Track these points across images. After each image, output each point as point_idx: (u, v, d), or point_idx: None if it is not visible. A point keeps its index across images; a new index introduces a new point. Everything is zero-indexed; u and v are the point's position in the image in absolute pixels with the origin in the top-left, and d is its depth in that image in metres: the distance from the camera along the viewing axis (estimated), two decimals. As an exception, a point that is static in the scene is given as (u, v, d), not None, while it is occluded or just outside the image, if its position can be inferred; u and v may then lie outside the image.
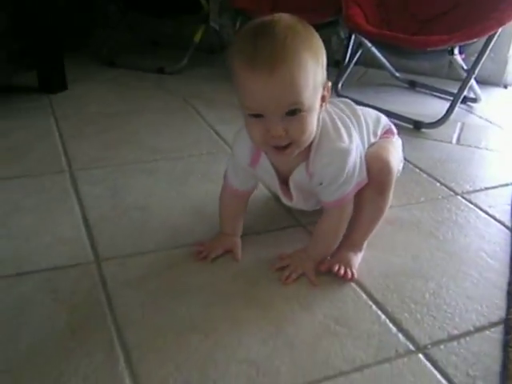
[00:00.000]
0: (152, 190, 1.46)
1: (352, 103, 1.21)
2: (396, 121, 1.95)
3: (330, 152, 1.04)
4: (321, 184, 1.08)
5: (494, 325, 1.03)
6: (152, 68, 2.48)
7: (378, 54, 2.33)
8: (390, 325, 1.02)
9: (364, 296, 1.09)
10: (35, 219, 1.31)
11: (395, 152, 1.24)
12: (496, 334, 1.01)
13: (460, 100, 1.95)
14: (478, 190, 1.53)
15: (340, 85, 2.21)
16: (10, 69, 2.05)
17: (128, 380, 0.88)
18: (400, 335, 0.99)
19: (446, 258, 1.22)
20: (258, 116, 0.95)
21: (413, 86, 2.39)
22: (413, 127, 1.94)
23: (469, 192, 1.51)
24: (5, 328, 0.98)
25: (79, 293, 1.07)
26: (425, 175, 1.60)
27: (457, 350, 0.97)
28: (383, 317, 1.04)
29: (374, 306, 1.06)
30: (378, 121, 1.25)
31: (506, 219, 1.38)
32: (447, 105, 1.95)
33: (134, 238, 1.25)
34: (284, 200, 1.20)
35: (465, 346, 0.97)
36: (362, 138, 1.15)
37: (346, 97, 2.08)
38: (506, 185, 1.56)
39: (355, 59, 2.24)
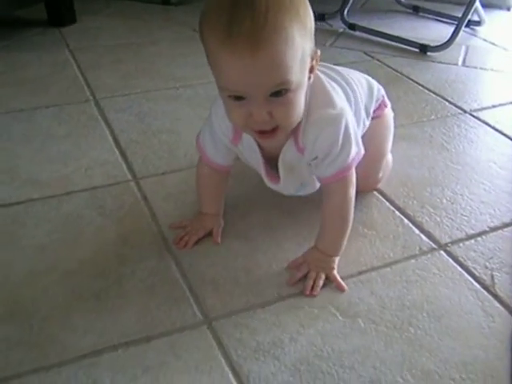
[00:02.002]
0: (177, 114, 1.53)
1: (342, 71, 1.06)
2: (402, 45, 2.02)
3: (320, 120, 0.91)
4: (315, 159, 0.95)
5: (506, 225, 1.13)
6: (157, -1, 2.49)
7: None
8: (413, 227, 1.11)
9: (387, 203, 1.18)
10: (69, 145, 1.38)
11: (386, 150, 1.18)
12: (509, 233, 1.10)
13: (465, 23, 1.99)
14: (485, 108, 1.60)
15: (345, 12, 2.24)
16: (16, 1, 2.05)
17: (181, 280, 0.98)
18: (422, 235, 1.09)
19: (458, 169, 1.30)
20: (238, 98, 0.80)
21: (416, 11, 2.42)
22: (419, 51, 1.99)
23: (476, 110, 1.59)
24: (61, 241, 1.07)
25: (123, 207, 1.16)
26: (434, 95, 1.67)
27: (474, 246, 1.07)
28: (406, 220, 1.13)
29: (396, 212, 1.15)
30: (370, 92, 1.10)
31: (512, 133, 1.47)
32: (451, 29, 1.99)
33: (167, 158, 1.32)
34: (269, 183, 1.04)
35: (481, 244, 1.07)
36: (357, 120, 1.02)
37: (353, 24, 2.16)
38: (511, 102, 1.64)
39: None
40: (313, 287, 0.95)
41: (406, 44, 2.03)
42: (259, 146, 0.96)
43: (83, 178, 1.25)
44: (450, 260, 1.03)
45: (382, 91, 1.16)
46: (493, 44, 2.11)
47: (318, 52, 0.87)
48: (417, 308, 0.92)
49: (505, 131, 1.47)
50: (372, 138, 1.08)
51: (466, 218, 1.14)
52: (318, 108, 0.91)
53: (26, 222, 1.11)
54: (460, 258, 1.04)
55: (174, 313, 0.91)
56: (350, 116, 0.94)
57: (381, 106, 1.14)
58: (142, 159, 1.32)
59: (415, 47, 2.01)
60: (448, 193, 1.22)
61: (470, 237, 1.09)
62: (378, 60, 1.93)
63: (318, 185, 1.06)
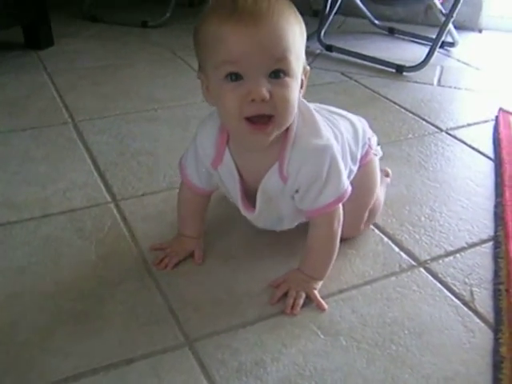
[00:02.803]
0: (156, 136, 1.53)
1: (330, 113, 1.04)
2: (378, 66, 2.06)
3: (306, 149, 0.90)
4: (297, 192, 0.94)
5: (484, 241, 1.14)
6: (135, 22, 2.50)
7: (358, 2, 2.39)
8: (393, 245, 1.12)
9: (370, 224, 1.18)
10: (48, 167, 1.37)
11: (370, 201, 1.11)
12: (487, 249, 1.12)
13: (439, 44, 2.03)
14: (461, 127, 1.63)
15: (322, 33, 2.27)
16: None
17: (162, 301, 0.97)
18: (402, 253, 1.10)
19: (436, 187, 1.32)
20: (236, 79, 0.80)
21: (392, 32, 2.47)
22: (395, 71, 2.03)
23: (453, 128, 1.62)
24: (39, 264, 1.05)
25: (103, 229, 1.15)
26: (410, 114, 1.70)
27: (453, 263, 1.08)
28: (385, 238, 1.14)
29: (376, 230, 1.16)
30: (356, 137, 1.05)
31: (488, 151, 1.49)
32: (426, 49, 2.04)
33: (146, 179, 1.32)
34: (244, 212, 1.01)
35: (460, 260, 1.09)
36: (344, 163, 0.97)
37: (330, 45, 2.19)
38: (486, 121, 1.67)
39: (336, 8, 2.30)
40: (293, 306, 0.95)
41: (382, 64, 2.07)
42: (239, 172, 0.95)
43: (62, 200, 1.24)
44: (430, 277, 1.04)
45: (368, 133, 1.11)
46: (466, 64, 2.15)
47: (308, 68, 0.89)
48: (398, 325, 0.93)
49: (481, 149, 1.50)
50: (357, 188, 0.99)
51: (444, 235, 1.15)
52: (305, 136, 0.90)
53: (4, 244, 1.10)
54: (439, 275, 1.04)
55: (155, 334, 0.90)
56: (336, 151, 0.92)
57: (367, 152, 1.09)
58: (121, 181, 1.31)
59: (391, 67, 2.04)
60: (426, 210, 1.23)
61: (448, 253, 1.10)
62: (355, 80, 1.96)
63: (295, 223, 1.06)
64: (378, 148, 1.13)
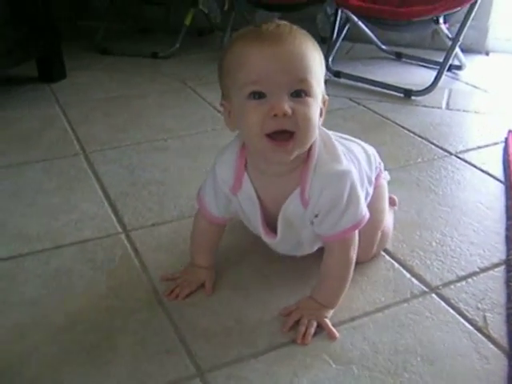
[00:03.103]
0: (166, 165, 1.54)
1: (345, 140, 1.06)
2: (386, 90, 2.06)
3: (328, 173, 0.92)
4: (316, 216, 0.95)
5: (496, 265, 1.13)
6: (146, 53, 2.54)
7: (365, 28, 2.41)
8: (404, 271, 1.12)
9: (380, 250, 1.18)
10: (60, 199, 1.39)
11: (382, 223, 1.12)
12: (499, 273, 1.11)
13: (446, 67, 2.04)
14: (470, 150, 1.63)
15: (330, 60, 2.29)
16: (9, 60, 2.08)
17: (173, 332, 0.97)
18: (413, 279, 1.09)
19: (447, 211, 1.31)
20: (260, 97, 0.83)
21: (399, 57, 2.48)
22: (403, 95, 2.03)
23: (462, 152, 1.61)
24: (51, 296, 1.06)
25: (114, 260, 1.15)
26: (419, 138, 1.70)
27: (466, 288, 1.07)
28: (396, 264, 1.13)
29: (386, 256, 1.16)
30: (369, 160, 1.08)
31: (498, 174, 1.48)
32: (433, 73, 2.04)
33: (157, 209, 1.33)
34: (265, 238, 1.02)
35: (472, 285, 1.08)
36: (361, 186, 0.99)
37: (338, 71, 2.21)
38: (496, 143, 1.66)
39: (343, 34, 2.32)
40: (304, 335, 0.94)
41: (390, 89, 2.08)
42: (259, 198, 0.96)
43: (73, 231, 1.25)
44: (442, 303, 1.03)
45: (378, 158, 1.14)
46: (474, 87, 2.16)
47: (326, 97, 0.91)
48: (410, 352, 0.92)
49: (491, 172, 1.49)
50: (369, 211, 0.99)
51: (455, 259, 1.15)
52: (326, 162, 0.92)
53: (16, 277, 1.11)
54: (452, 301, 1.04)
55: (166, 365, 0.90)
56: (356, 176, 0.94)
57: (379, 175, 1.12)
58: (132, 211, 1.32)
59: (399, 92, 2.05)
60: (437, 235, 1.22)
61: (460, 278, 1.09)
62: (364, 106, 1.97)
63: (315, 247, 1.06)
64: (386, 173, 1.15)
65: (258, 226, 1.00)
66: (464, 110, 1.92)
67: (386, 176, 1.16)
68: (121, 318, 1.00)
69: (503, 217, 1.29)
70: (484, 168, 1.51)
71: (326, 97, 0.91)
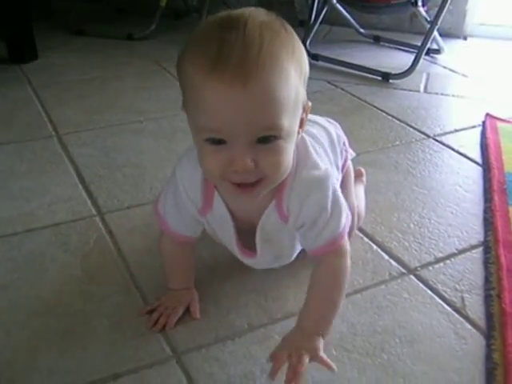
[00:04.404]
0: (141, 148, 1.51)
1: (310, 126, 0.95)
2: (365, 74, 2.05)
3: (306, 183, 0.80)
4: (302, 227, 0.83)
5: (474, 247, 1.13)
6: (121, 35, 2.49)
7: (343, 11, 2.40)
8: (382, 253, 1.11)
9: (355, 230, 1.17)
10: (32, 181, 1.35)
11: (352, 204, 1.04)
12: (477, 255, 1.11)
13: (425, 51, 2.03)
14: (448, 133, 1.63)
15: (308, 43, 2.27)
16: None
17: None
18: (392, 261, 1.09)
19: (425, 193, 1.31)
20: (218, 143, 0.70)
21: (377, 40, 2.48)
22: (381, 79, 2.03)
23: (440, 134, 1.61)
24: (23, 280, 1.03)
25: (88, 243, 1.13)
26: (397, 121, 1.69)
27: (444, 269, 1.07)
28: (374, 246, 1.13)
29: (365, 238, 1.15)
30: (332, 145, 0.99)
31: (476, 156, 1.49)
32: (412, 57, 2.04)
33: (132, 192, 1.30)
34: (242, 258, 0.93)
35: (451, 266, 1.07)
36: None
37: (316, 54, 2.19)
38: (474, 126, 1.67)
39: (321, 17, 2.30)
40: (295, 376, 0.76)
41: (368, 72, 2.07)
42: (232, 215, 0.85)
43: (46, 214, 1.22)
44: (420, 284, 1.03)
45: (343, 136, 1.05)
46: (452, 71, 2.16)
47: (309, 103, 0.77)
48: (389, 333, 0.92)
49: (468, 154, 1.49)
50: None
51: (434, 241, 1.14)
52: (303, 170, 0.80)
53: (-13, 261, 1.08)
54: (430, 282, 1.03)
55: (142, 348, 0.88)
56: (334, 178, 0.86)
57: (346, 158, 1.05)
58: (107, 194, 1.30)
59: (377, 75, 2.04)
60: (415, 217, 1.22)
61: (438, 260, 1.09)
62: (342, 89, 1.96)
63: (293, 256, 0.97)
64: (350, 150, 1.09)
65: (232, 245, 0.91)
66: (442, 94, 1.92)
67: (351, 154, 1.09)
68: (96, 302, 0.98)
69: (481, 199, 1.29)
70: (462, 151, 1.51)
71: (309, 103, 0.77)
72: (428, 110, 1.78)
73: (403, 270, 1.06)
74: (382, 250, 1.12)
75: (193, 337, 0.91)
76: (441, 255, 1.10)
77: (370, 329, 0.92)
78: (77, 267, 1.06)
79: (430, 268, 1.07)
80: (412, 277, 1.05)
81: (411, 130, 1.64)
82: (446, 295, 1.00)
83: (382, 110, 1.76)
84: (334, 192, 0.82)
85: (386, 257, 1.10)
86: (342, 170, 1.04)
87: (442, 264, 1.08)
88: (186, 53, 0.71)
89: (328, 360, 0.79)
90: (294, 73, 0.69)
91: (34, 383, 0.83)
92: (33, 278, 1.04)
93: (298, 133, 0.76)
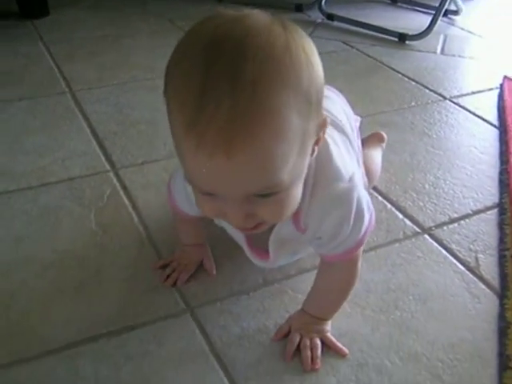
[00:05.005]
0: (155, 105, 1.49)
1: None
2: (381, 34, 2.02)
3: (328, 200, 0.71)
4: (319, 239, 0.76)
5: (489, 208, 1.12)
6: (133, -8, 2.46)
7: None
8: (396, 212, 1.11)
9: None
10: (46, 137, 1.35)
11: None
12: (492, 216, 1.10)
13: (442, 12, 1.99)
14: (464, 95, 1.60)
15: (323, 2, 2.23)
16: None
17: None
18: (406, 220, 1.08)
19: (440, 154, 1.30)
20: (209, 193, 0.62)
21: (394, 1, 2.42)
22: (398, 40, 1.99)
23: (456, 96, 1.59)
24: (38, 233, 1.04)
25: (102, 198, 1.13)
26: (413, 83, 1.67)
27: (458, 230, 1.06)
28: (389, 205, 1.12)
29: (379, 197, 1.14)
30: (352, 128, 0.91)
31: (492, 119, 1.47)
32: (429, 18, 1.99)
33: (146, 148, 1.30)
34: (255, 260, 0.86)
35: (465, 227, 1.07)
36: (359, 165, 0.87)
37: (331, 14, 2.15)
38: (491, 89, 1.64)
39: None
40: (312, 358, 0.79)
41: (384, 33, 2.03)
42: None
43: (60, 169, 1.22)
44: (434, 243, 1.03)
45: (350, 112, 0.97)
46: (470, 32, 2.12)
47: (327, 119, 0.65)
48: (402, 291, 0.92)
49: (485, 117, 1.47)
50: None
51: (448, 202, 1.14)
52: (324, 184, 0.71)
53: (3, 213, 1.08)
54: (444, 242, 1.03)
55: (156, 301, 0.89)
56: (359, 180, 0.75)
57: (358, 136, 0.98)
58: (121, 150, 1.29)
59: (394, 36, 2.01)
60: (430, 178, 1.21)
61: (453, 220, 1.09)
62: (357, 49, 1.92)
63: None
64: (357, 117, 1.02)
65: (243, 246, 0.85)
66: (459, 56, 1.89)
67: (357, 120, 1.01)
68: (110, 255, 0.99)
69: (497, 161, 1.27)
70: (478, 113, 1.49)
71: (327, 119, 0.65)
72: (445, 72, 1.75)
73: (417, 230, 1.06)
74: (397, 209, 1.11)
75: (207, 291, 0.91)
76: (455, 216, 1.10)
77: (383, 286, 0.93)
78: (91, 221, 1.07)
79: (445, 228, 1.06)
80: (426, 236, 1.04)
81: (427, 91, 1.62)
82: (460, 255, 1.00)
83: (397, 72, 1.74)
84: (359, 203, 0.72)
85: (401, 216, 1.09)
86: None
87: (456, 224, 1.08)
88: (169, 75, 0.61)
89: (339, 345, 0.82)
90: (296, 116, 0.56)
91: (50, 332, 0.84)
92: (48, 230, 1.04)
93: (314, 151, 0.65)
